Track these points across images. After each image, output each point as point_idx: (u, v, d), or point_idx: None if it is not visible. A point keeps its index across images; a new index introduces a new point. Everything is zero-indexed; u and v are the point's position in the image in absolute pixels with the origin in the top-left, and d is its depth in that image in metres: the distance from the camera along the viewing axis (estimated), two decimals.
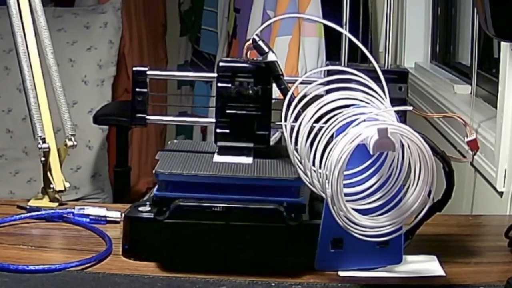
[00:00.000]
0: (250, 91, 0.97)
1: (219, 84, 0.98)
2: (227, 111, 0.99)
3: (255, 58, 0.98)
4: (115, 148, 2.46)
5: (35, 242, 1.01)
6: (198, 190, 0.94)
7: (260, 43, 0.96)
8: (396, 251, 0.94)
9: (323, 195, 0.86)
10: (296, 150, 0.89)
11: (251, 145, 1.00)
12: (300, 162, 0.89)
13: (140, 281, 0.89)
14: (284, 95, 0.94)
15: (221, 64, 0.99)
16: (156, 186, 0.96)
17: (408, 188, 0.87)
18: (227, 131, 0.99)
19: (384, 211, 0.88)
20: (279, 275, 0.91)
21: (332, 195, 0.84)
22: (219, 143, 1.00)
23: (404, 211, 0.87)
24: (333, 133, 0.86)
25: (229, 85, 0.98)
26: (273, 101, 1.01)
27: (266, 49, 0.96)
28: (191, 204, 0.92)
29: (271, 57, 0.96)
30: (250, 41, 0.96)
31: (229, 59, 1.00)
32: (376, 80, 0.90)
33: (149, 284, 0.88)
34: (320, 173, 0.85)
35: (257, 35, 0.95)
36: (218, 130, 0.99)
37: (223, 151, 1.00)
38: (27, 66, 1.17)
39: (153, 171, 0.94)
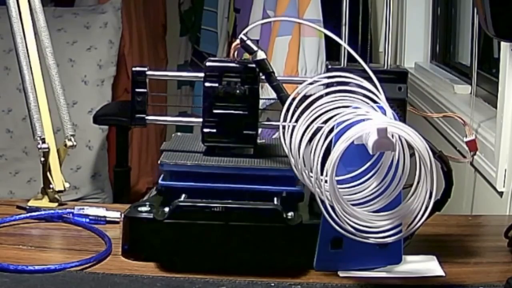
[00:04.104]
0: (238, 91, 0.98)
1: (206, 84, 0.99)
2: (214, 111, 0.99)
3: (245, 58, 0.99)
4: (115, 148, 2.46)
5: (34, 242, 1.01)
6: (201, 179, 0.96)
7: (248, 42, 0.96)
8: (395, 251, 0.94)
9: (321, 195, 0.86)
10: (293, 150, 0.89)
11: (238, 145, 1.01)
12: (297, 164, 0.89)
13: (140, 281, 0.89)
14: (277, 92, 0.95)
15: (208, 63, 0.99)
16: (161, 176, 0.98)
17: (409, 190, 0.87)
18: (214, 130, 1.00)
19: (385, 213, 0.88)
20: (278, 275, 0.91)
21: (331, 198, 0.84)
22: (206, 143, 1.00)
23: (406, 213, 0.87)
24: (327, 135, 0.85)
25: (217, 84, 0.98)
26: (272, 101, 1.02)
27: (255, 48, 0.96)
28: (191, 204, 0.93)
29: (260, 55, 0.96)
30: (238, 41, 0.96)
31: (216, 58, 1.00)
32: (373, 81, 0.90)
33: (148, 285, 0.88)
34: (317, 177, 0.85)
35: (244, 34, 0.96)
36: (205, 130, 1.00)
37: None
38: (26, 66, 1.17)
39: (159, 161, 0.97)
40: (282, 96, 0.95)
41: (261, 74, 0.98)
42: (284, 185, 0.96)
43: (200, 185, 0.96)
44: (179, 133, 1.10)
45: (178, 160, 0.97)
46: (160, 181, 0.97)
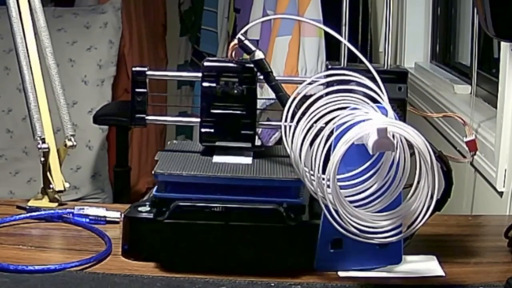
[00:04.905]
0: (235, 91, 0.97)
1: (204, 84, 0.99)
2: (212, 111, 0.99)
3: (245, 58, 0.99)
4: (115, 148, 2.46)
5: (34, 242, 1.01)
6: (198, 191, 0.94)
7: (246, 42, 0.96)
8: (395, 251, 0.94)
9: (323, 199, 0.86)
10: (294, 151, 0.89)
11: (236, 144, 1.00)
12: (298, 165, 0.89)
13: (140, 281, 0.89)
14: (275, 91, 0.95)
15: (206, 63, 0.99)
16: (156, 187, 0.96)
17: (410, 190, 0.87)
18: (212, 130, 0.99)
19: (386, 213, 0.88)
20: (278, 275, 0.91)
21: (334, 200, 0.84)
22: (204, 143, 1.00)
23: (407, 213, 0.87)
24: (328, 137, 0.85)
25: (214, 84, 0.98)
26: (272, 101, 1.01)
27: (253, 48, 0.96)
28: (191, 204, 0.92)
29: (258, 55, 0.96)
30: (236, 41, 0.96)
31: (214, 58, 1.00)
32: (375, 80, 0.90)
33: (148, 285, 0.88)
34: (318, 177, 0.85)
35: (242, 34, 0.96)
36: (203, 130, 1.00)
37: (222, 151, 1.00)
38: (27, 66, 1.17)
39: (153, 172, 0.94)
40: (280, 96, 0.95)
41: (259, 74, 0.98)
42: (285, 196, 0.94)
43: (196, 196, 0.93)
44: (175, 141, 1.09)
45: (173, 170, 0.94)
46: (154, 192, 0.95)
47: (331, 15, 2.22)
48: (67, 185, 1.16)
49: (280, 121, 0.92)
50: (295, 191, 0.94)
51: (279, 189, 0.94)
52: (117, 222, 1.07)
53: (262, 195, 0.93)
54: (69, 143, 1.18)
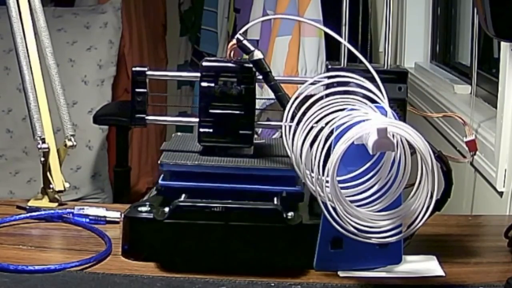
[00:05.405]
0: (234, 91, 0.98)
1: (203, 84, 0.99)
2: (211, 111, 0.99)
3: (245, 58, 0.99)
4: (115, 148, 2.46)
5: (34, 242, 1.01)
6: (202, 179, 0.96)
7: (245, 42, 0.96)
8: (395, 251, 0.94)
9: (322, 198, 0.86)
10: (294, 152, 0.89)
11: (234, 144, 1.01)
12: (298, 166, 0.89)
13: (140, 281, 0.89)
14: (274, 91, 0.95)
15: (204, 63, 1.00)
16: (161, 176, 0.98)
17: (410, 190, 0.87)
18: (211, 130, 1.00)
19: (386, 213, 0.88)
20: (278, 275, 0.91)
21: (333, 199, 0.84)
22: (202, 143, 1.01)
23: (407, 213, 0.87)
24: (327, 137, 0.86)
25: (213, 84, 0.99)
26: (272, 101, 1.01)
27: (252, 48, 0.96)
28: (191, 204, 0.93)
29: (257, 55, 0.96)
30: (234, 41, 0.96)
31: (213, 58, 1.01)
32: (375, 81, 0.90)
33: (148, 285, 0.88)
34: (318, 178, 0.85)
35: (241, 34, 0.96)
36: (201, 130, 1.00)
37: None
38: (26, 66, 1.17)
39: (159, 162, 0.97)
40: (280, 96, 0.95)
41: (258, 74, 0.98)
42: (284, 185, 0.96)
43: (200, 185, 0.96)
44: (179, 133, 1.10)
45: (178, 160, 0.97)
46: (160, 181, 0.98)
47: (331, 15, 2.22)
48: (67, 185, 1.16)
49: (280, 121, 0.92)
50: (294, 180, 0.96)
51: (279, 178, 0.96)
52: (117, 222, 1.07)
53: (262, 183, 0.96)
54: (69, 143, 1.18)
